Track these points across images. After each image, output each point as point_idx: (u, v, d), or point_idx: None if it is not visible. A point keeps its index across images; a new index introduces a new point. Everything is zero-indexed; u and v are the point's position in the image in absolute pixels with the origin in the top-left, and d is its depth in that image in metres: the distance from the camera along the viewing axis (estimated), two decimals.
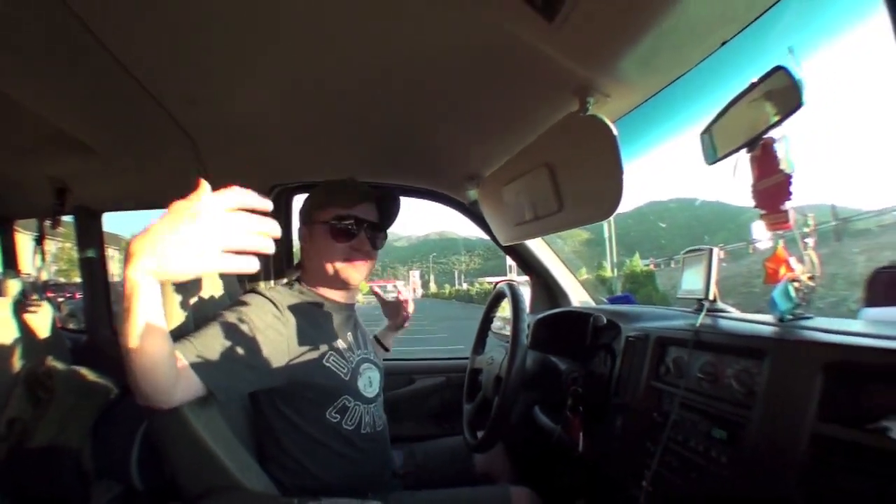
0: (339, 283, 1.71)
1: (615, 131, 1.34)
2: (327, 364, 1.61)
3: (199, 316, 1.56)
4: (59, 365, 2.51)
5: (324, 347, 1.62)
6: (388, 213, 1.77)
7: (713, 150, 1.36)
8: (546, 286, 2.61)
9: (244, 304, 1.52)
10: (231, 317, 1.46)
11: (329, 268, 1.68)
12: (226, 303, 1.81)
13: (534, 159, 1.75)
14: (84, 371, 2.52)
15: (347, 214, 1.67)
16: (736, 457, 1.16)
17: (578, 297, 2.57)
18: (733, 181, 1.27)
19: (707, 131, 1.38)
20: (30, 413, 2.34)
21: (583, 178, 1.55)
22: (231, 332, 1.42)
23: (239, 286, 1.98)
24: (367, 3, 1.23)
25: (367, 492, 1.56)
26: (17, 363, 2.51)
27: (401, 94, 1.66)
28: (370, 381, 1.73)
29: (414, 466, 1.98)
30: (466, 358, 2.32)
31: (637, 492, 1.39)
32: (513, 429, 1.75)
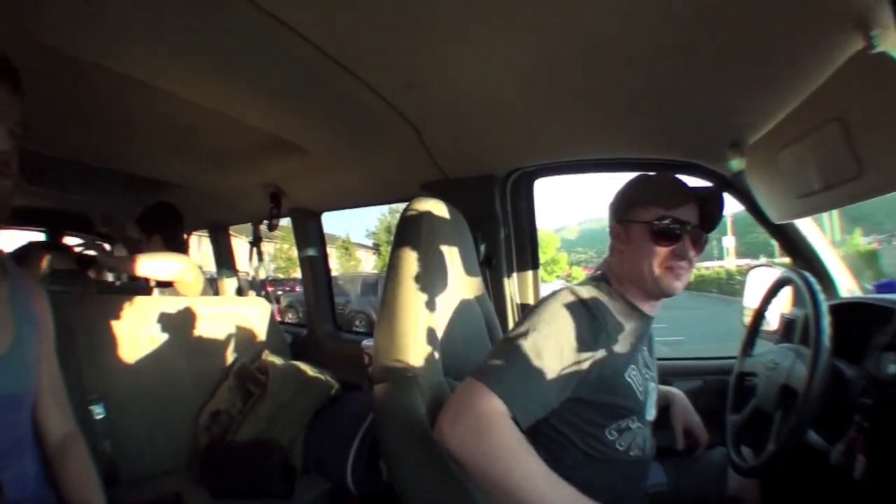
0: (655, 292, 1.49)
1: None
2: (628, 379, 1.42)
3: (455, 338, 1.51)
4: (275, 360, 2.54)
5: (629, 360, 1.43)
6: (713, 215, 1.54)
7: None
8: (813, 272, 2.18)
9: (556, 307, 1.36)
10: (542, 327, 1.30)
11: (646, 274, 1.46)
12: (475, 311, 1.79)
13: (817, 114, 1.43)
14: (304, 367, 2.52)
15: (670, 216, 1.45)
16: None
17: (846, 285, 2.14)
18: None
19: None
20: (238, 406, 2.38)
21: (887, 131, 1.24)
22: (541, 345, 1.26)
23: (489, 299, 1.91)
24: None
25: None
26: (229, 357, 2.60)
27: (647, 55, 1.42)
28: (652, 403, 1.55)
29: (665, 485, 1.78)
30: (725, 358, 2.11)
31: None
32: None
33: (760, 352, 1.82)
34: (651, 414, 1.52)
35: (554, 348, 1.25)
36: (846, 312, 1.78)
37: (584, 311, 1.35)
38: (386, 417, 1.30)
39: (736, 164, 1.99)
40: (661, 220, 1.43)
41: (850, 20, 1.13)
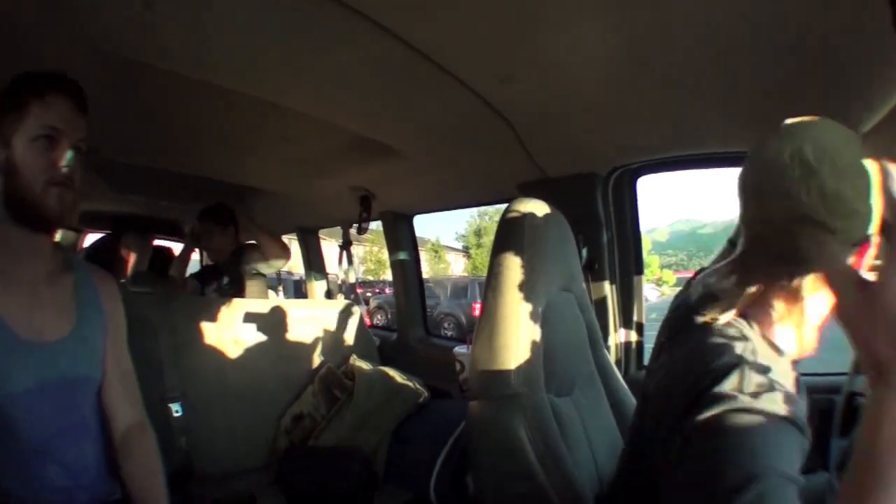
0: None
1: None
2: None
3: None
4: (363, 365, 2.55)
5: None
6: None
7: None
8: None
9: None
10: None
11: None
12: (578, 320, 1.68)
13: None
14: (392, 373, 2.51)
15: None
16: None
17: None
18: None
19: None
20: (322, 412, 2.40)
21: None
22: None
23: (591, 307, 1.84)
24: None
25: None
26: (316, 360, 2.63)
27: (752, 36, 1.30)
28: None
29: None
30: (833, 374, 1.92)
31: None
32: None
33: None
34: None
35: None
36: None
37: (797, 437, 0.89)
38: (482, 436, 1.31)
39: None
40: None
41: None
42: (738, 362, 0.95)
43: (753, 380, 0.91)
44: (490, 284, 1.35)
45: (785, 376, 0.95)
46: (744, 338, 1.00)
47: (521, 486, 1.24)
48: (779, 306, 1.03)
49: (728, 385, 0.91)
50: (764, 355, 0.98)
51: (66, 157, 1.24)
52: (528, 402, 1.24)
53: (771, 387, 0.90)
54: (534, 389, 1.27)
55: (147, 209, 3.86)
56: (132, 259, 3.28)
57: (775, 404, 0.88)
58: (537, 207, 1.43)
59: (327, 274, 4.20)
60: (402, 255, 3.39)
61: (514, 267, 1.33)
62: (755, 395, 0.89)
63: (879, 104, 1.56)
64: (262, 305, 2.58)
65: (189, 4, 1.30)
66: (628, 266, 2.33)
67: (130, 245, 3.35)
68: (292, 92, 1.78)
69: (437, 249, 37.26)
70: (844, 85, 1.53)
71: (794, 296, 1.00)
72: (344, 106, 1.88)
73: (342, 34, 1.37)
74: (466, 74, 1.60)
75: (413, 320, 3.45)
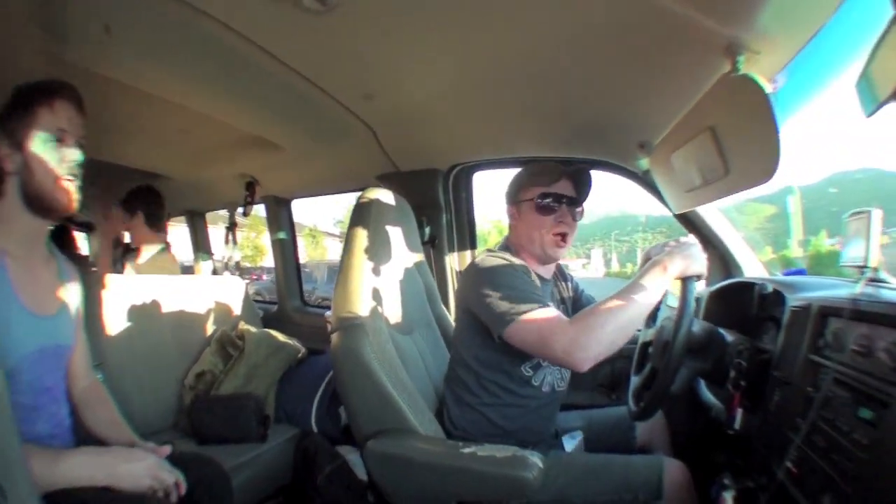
0: (545, 255, 1.81)
1: (768, 89, 1.27)
2: None
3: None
4: (251, 328, 2.84)
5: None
6: (584, 187, 1.84)
7: (871, 100, 1.00)
8: (720, 257, 2.40)
9: (499, 265, 1.69)
10: (501, 276, 1.65)
11: (537, 241, 1.79)
12: (416, 278, 2.12)
13: (697, 124, 1.67)
14: (275, 334, 2.84)
15: (549, 192, 1.77)
16: (878, 439, 1.01)
17: (753, 269, 2.34)
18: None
19: (862, 78, 1.04)
20: (220, 367, 2.67)
21: (743, 140, 1.49)
22: (514, 278, 1.63)
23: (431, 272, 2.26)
24: None
25: (529, 445, 1.60)
26: (209, 328, 2.88)
27: (566, 69, 1.70)
28: None
29: (580, 430, 2.02)
30: (639, 331, 2.18)
31: (780, 472, 1.28)
32: (675, 402, 1.74)
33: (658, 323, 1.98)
34: None
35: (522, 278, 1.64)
36: (742, 290, 2.04)
37: (513, 264, 1.69)
38: (340, 357, 1.62)
39: (644, 163, 2.28)
40: (542, 197, 1.77)
41: (721, 48, 1.39)
42: (499, 251, 1.80)
43: (503, 254, 1.75)
44: (345, 248, 1.71)
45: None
46: (507, 249, 1.81)
47: (370, 391, 1.55)
48: (515, 239, 1.87)
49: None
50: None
51: (74, 153, 1.38)
52: (371, 329, 1.59)
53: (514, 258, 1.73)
54: (374, 321, 1.63)
55: None
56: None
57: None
58: (382, 194, 1.83)
59: (212, 255, 4.31)
60: (282, 235, 3.71)
61: (362, 237, 1.70)
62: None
63: (659, 130, 1.99)
64: (161, 281, 2.74)
65: (142, 32, 1.59)
66: (464, 241, 2.82)
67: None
68: (199, 97, 2.06)
69: (314, 235, 36.25)
70: (631, 115, 2.01)
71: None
72: (238, 109, 2.19)
73: (238, 55, 1.67)
74: (339, 93, 1.96)
75: (291, 293, 3.77)
